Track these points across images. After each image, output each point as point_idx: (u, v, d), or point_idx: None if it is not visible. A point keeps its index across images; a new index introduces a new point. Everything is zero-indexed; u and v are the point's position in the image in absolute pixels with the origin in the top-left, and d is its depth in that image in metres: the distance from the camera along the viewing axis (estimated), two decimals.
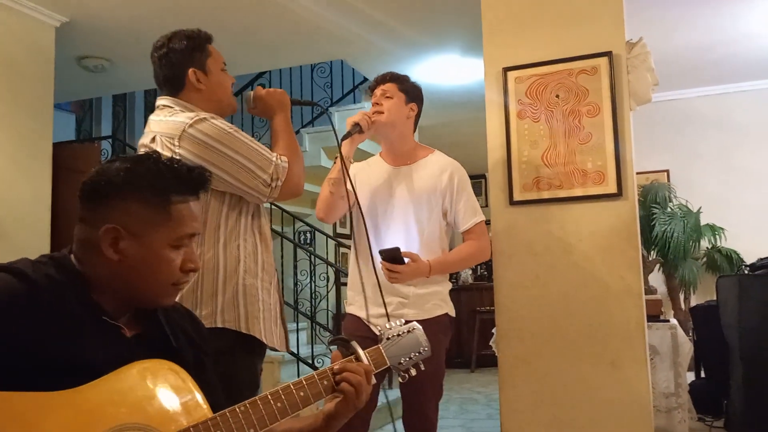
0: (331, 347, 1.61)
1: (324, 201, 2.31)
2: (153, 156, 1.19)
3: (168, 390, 1.05)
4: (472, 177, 9.34)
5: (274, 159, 1.79)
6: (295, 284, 5.68)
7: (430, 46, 4.74)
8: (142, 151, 1.76)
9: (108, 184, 1.14)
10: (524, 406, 2.78)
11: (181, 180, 1.17)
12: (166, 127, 1.73)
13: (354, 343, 1.31)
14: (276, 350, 1.85)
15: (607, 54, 2.75)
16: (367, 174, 2.45)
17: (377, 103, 2.42)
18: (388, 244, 2.31)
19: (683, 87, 5.87)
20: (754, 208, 5.63)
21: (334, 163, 2.33)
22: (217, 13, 4.06)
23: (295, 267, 5.69)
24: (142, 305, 1.17)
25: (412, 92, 2.49)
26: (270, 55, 4.92)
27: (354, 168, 2.45)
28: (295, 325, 5.34)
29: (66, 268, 1.12)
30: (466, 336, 7.59)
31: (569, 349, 2.73)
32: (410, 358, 1.41)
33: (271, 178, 1.77)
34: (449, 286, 2.53)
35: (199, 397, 1.07)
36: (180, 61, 1.84)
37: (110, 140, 5.72)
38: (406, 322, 2.29)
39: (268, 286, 1.82)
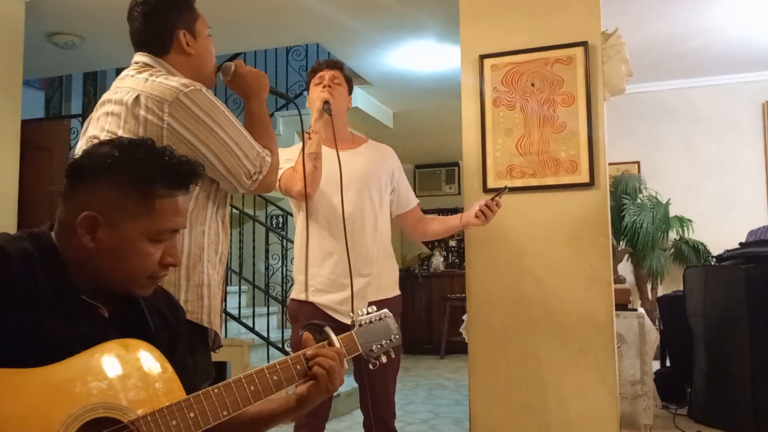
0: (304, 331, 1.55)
1: (311, 176, 2.27)
2: (146, 144, 1.15)
3: (142, 370, 1.04)
4: (445, 164, 9.34)
5: (259, 150, 1.67)
6: (267, 268, 5.66)
7: (406, 32, 4.72)
8: (107, 107, 1.60)
9: (93, 168, 1.11)
10: (493, 390, 2.81)
11: (170, 173, 1.13)
12: (155, 89, 1.54)
13: (327, 329, 1.31)
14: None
15: (583, 44, 2.77)
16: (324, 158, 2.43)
17: (329, 86, 2.41)
18: (352, 222, 2.32)
19: (655, 79, 5.95)
20: (720, 199, 5.76)
21: (308, 138, 2.29)
22: None
23: (267, 251, 5.66)
24: (115, 292, 1.15)
25: (350, 83, 2.52)
26: (244, 35, 4.85)
27: (291, 149, 2.43)
28: (266, 309, 5.32)
29: (43, 244, 1.10)
30: (437, 323, 7.65)
31: (539, 335, 2.76)
32: (381, 345, 1.41)
33: (254, 170, 1.66)
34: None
35: (173, 378, 1.06)
36: (169, 19, 1.66)
37: (80, 118, 5.61)
38: (378, 308, 2.34)
39: (221, 279, 1.73)
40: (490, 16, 2.96)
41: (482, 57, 2.93)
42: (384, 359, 1.43)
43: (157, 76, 1.58)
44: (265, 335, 4.90)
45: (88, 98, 6.52)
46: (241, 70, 1.78)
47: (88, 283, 1.12)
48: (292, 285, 2.49)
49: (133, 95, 1.55)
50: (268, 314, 5.17)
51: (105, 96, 1.64)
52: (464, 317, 3.83)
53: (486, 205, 2.35)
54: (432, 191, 8.62)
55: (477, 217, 2.36)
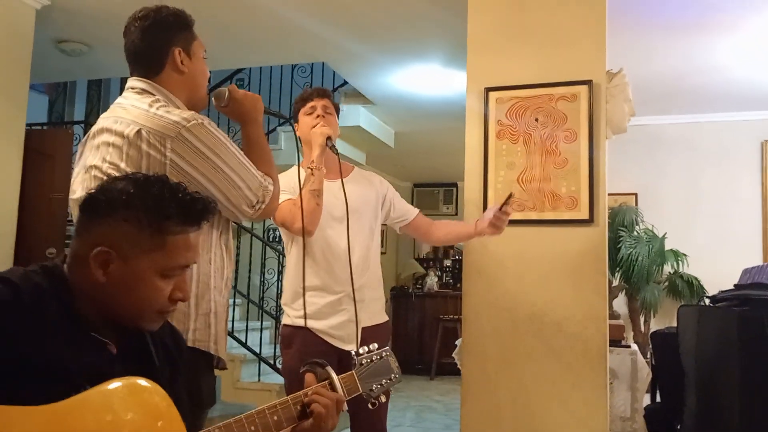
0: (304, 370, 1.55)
1: (313, 214, 2.24)
2: (161, 180, 1.17)
3: (147, 411, 1.04)
4: (443, 184, 9.36)
5: (261, 179, 1.67)
6: (262, 282, 5.66)
7: (411, 56, 4.76)
8: (106, 136, 1.57)
9: (108, 204, 1.13)
10: (485, 420, 2.82)
11: (183, 210, 1.15)
12: (156, 123, 1.54)
13: (329, 369, 1.32)
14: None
15: (588, 83, 2.81)
16: None
17: (322, 116, 2.42)
18: (353, 248, 2.34)
19: (656, 113, 6.00)
20: (716, 234, 5.80)
21: (311, 174, 2.29)
22: (198, 6, 3.99)
23: (263, 265, 5.67)
24: (125, 325, 1.16)
25: (338, 111, 2.52)
26: (251, 52, 4.89)
27: (285, 177, 2.37)
28: (259, 324, 5.32)
29: (55, 277, 1.11)
30: (428, 343, 7.64)
31: (532, 368, 2.77)
32: (381, 384, 1.42)
33: (257, 200, 1.65)
34: None
35: (177, 421, 1.07)
36: (165, 37, 1.66)
37: (83, 125, 5.63)
38: (372, 334, 2.36)
39: (226, 302, 1.74)
40: (497, 49, 2.99)
41: (488, 89, 2.96)
42: (383, 398, 1.44)
43: (157, 108, 1.57)
44: (257, 350, 4.89)
45: (92, 104, 6.54)
46: (235, 95, 1.78)
47: (98, 315, 1.13)
48: None
49: (134, 129, 1.54)
50: (261, 329, 5.16)
51: (103, 123, 1.62)
52: (457, 342, 3.84)
53: (497, 218, 2.36)
54: (429, 210, 8.63)
55: (490, 226, 2.38)
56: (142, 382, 1.06)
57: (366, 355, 1.43)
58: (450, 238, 2.68)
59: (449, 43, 4.41)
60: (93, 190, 1.17)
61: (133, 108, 1.59)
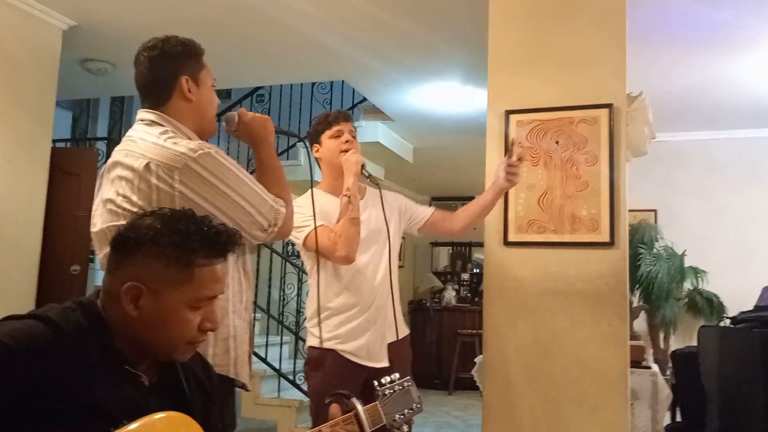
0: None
1: (354, 241, 2.25)
2: (186, 215, 1.22)
3: None
4: (461, 198, 9.35)
5: (272, 203, 1.70)
6: (282, 298, 5.70)
7: (430, 73, 4.80)
8: (119, 170, 1.60)
9: (137, 240, 1.17)
10: None
11: (210, 243, 1.19)
12: (164, 156, 1.56)
13: (354, 400, 1.34)
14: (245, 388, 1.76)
15: (608, 106, 2.82)
16: (332, 209, 2.37)
17: (349, 142, 2.44)
18: (374, 274, 2.38)
19: (676, 129, 5.98)
20: (736, 251, 5.76)
21: (348, 202, 2.31)
22: (221, 24, 4.09)
23: (282, 280, 5.71)
24: (157, 358, 1.20)
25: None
26: (271, 69, 4.95)
27: (310, 202, 2.32)
28: (279, 339, 5.35)
29: (92, 315, 1.16)
30: (446, 357, 7.64)
31: (553, 390, 2.78)
32: (404, 414, 1.44)
33: (268, 224, 1.68)
34: None
35: None
36: (173, 66, 1.69)
37: (106, 141, 5.72)
38: (396, 349, 2.38)
39: (248, 325, 1.75)
40: (518, 71, 3.01)
41: (508, 112, 2.98)
42: (405, 429, 1.47)
43: (165, 139, 1.60)
44: (277, 365, 4.92)
45: (114, 120, 6.65)
46: (244, 119, 1.81)
47: (133, 350, 1.17)
48: (305, 317, 2.52)
49: (143, 162, 1.56)
50: (281, 344, 5.19)
51: (116, 156, 1.65)
52: (476, 359, 3.85)
53: (509, 169, 2.39)
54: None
55: (507, 180, 2.41)
56: (177, 415, 1.09)
57: (389, 385, 1.46)
58: (473, 216, 2.59)
59: (467, 62, 4.44)
60: (122, 228, 1.22)
61: (142, 141, 1.62)
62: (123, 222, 1.56)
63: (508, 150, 2.34)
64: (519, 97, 2.99)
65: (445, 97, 5.22)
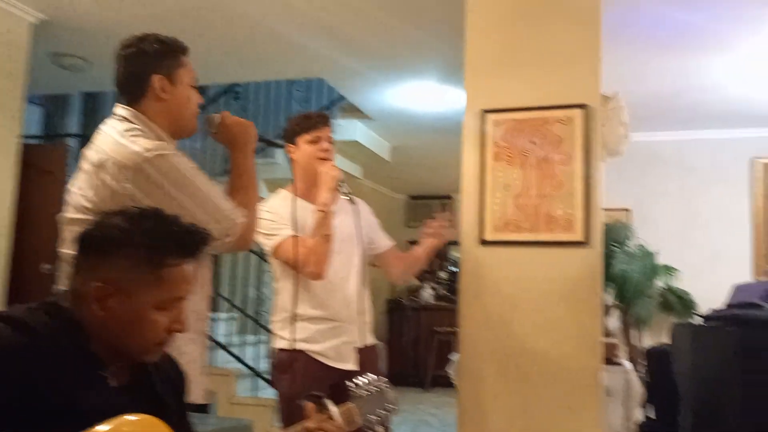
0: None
1: (326, 258, 2.25)
2: (155, 214, 1.19)
3: None
4: (438, 197, 9.33)
5: (228, 212, 1.64)
6: (257, 296, 5.66)
7: (407, 73, 4.80)
8: (83, 162, 1.59)
9: (104, 240, 1.15)
10: None
11: (178, 243, 1.17)
12: (120, 153, 1.54)
13: (327, 401, 1.34)
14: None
15: (583, 106, 2.84)
16: (303, 215, 2.33)
17: (328, 151, 2.40)
18: (346, 281, 2.39)
19: (651, 129, 6.06)
20: (708, 250, 5.86)
21: (324, 217, 2.29)
22: (196, 22, 4.05)
23: (258, 279, 5.68)
24: (128, 358, 1.18)
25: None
26: (248, 66, 4.91)
27: (281, 207, 2.35)
28: (255, 338, 5.32)
29: (64, 316, 1.13)
30: (423, 355, 7.65)
31: (528, 389, 2.79)
32: (379, 416, 1.44)
33: (221, 233, 1.60)
34: None
35: None
36: (146, 64, 1.66)
37: (79, 138, 5.63)
38: (366, 354, 2.38)
39: (193, 336, 1.64)
40: (495, 72, 3.02)
41: (485, 111, 2.99)
42: (381, 430, 1.46)
43: (127, 137, 1.57)
44: (252, 365, 4.89)
45: (87, 117, 6.54)
46: (226, 121, 1.79)
47: (107, 351, 1.15)
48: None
49: (100, 157, 1.56)
50: (257, 343, 5.16)
51: (86, 148, 1.65)
52: (452, 356, 3.86)
53: (431, 227, 2.54)
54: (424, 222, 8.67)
55: (430, 237, 2.55)
56: (147, 418, 1.08)
57: (364, 386, 1.45)
58: (405, 268, 2.69)
59: (445, 61, 4.45)
60: (89, 227, 1.19)
61: (106, 135, 1.61)
62: (75, 215, 1.55)
63: (439, 211, 2.41)
64: (495, 96, 3.00)
65: (423, 96, 5.22)
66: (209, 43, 4.32)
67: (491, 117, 2.99)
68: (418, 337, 7.86)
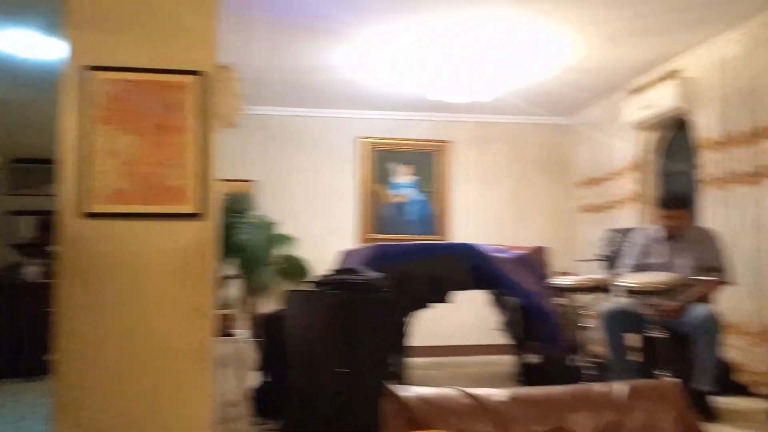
0: None
1: None
2: None
3: None
4: (42, 160, 8.34)
5: None
6: None
7: (9, 16, 4.12)
8: None
9: None
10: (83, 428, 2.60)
11: None
12: None
13: None
14: None
15: (197, 73, 2.76)
16: None
17: None
18: None
19: (277, 104, 6.34)
20: (323, 222, 6.43)
21: None
22: None
23: None
24: None
25: None
26: None
27: None
28: None
29: None
30: (28, 340, 6.80)
31: (134, 370, 2.65)
32: None
33: None
34: None
35: None
36: None
37: None
38: None
39: None
40: (103, 26, 2.74)
41: (91, 68, 2.69)
42: None
43: None
44: None
45: None
46: None
47: None
48: None
49: None
50: None
51: None
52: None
53: None
54: (31, 190, 7.62)
55: None
56: None
57: None
58: None
59: (50, 8, 3.91)
60: None
61: None
62: None
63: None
64: (104, 53, 2.72)
65: (25, 44, 4.54)
66: None
67: (99, 75, 2.71)
68: (23, 320, 6.95)
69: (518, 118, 6.72)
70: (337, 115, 6.61)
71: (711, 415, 3.49)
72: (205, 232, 2.75)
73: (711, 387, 3.56)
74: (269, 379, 4.21)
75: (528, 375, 4.69)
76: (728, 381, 4.07)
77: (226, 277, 4.84)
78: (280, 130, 6.50)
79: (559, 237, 6.66)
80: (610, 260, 4.68)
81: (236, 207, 5.08)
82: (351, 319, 3.56)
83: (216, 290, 2.82)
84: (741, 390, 4.10)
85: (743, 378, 4.16)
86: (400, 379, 3.78)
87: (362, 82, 5.67)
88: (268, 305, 5.40)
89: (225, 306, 3.82)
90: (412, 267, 4.25)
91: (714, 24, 4.41)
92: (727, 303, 4.10)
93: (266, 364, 4.24)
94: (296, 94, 6.04)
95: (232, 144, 6.01)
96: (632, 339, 4.00)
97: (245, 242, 5.07)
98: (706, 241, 3.93)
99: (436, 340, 6.08)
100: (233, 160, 6.07)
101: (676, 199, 4.15)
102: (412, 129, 6.76)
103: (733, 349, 4.16)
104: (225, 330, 3.37)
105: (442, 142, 6.84)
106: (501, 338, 5.08)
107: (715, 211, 4.52)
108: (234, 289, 5.29)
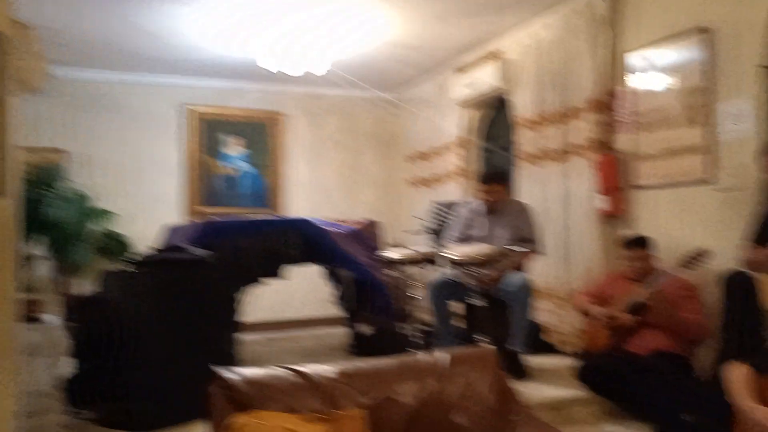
0: None
1: None
2: None
3: None
4: None
5: None
6: None
7: None
8: None
9: None
10: None
11: None
12: None
13: None
14: None
15: None
16: None
17: None
18: None
19: (92, 67, 5.82)
20: (143, 194, 6.06)
21: None
22: None
23: None
24: None
25: None
26: None
27: None
28: None
29: None
30: None
31: None
32: None
33: None
34: None
35: None
36: None
37: None
38: None
39: None
40: None
41: None
42: None
43: None
44: None
45: None
46: None
47: None
48: None
49: None
50: None
51: None
52: None
53: None
54: None
55: None
56: None
57: None
58: None
59: None
60: None
61: None
62: None
63: None
64: None
65: None
66: None
67: None
68: None
69: (350, 91, 6.75)
70: (160, 81, 6.22)
71: (523, 372, 3.78)
72: (5, 213, 2.46)
73: (524, 348, 3.86)
74: (85, 367, 3.92)
75: (360, 346, 4.79)
76: (538, 341, 4.43)
77: (32, 257, 4.40)
78: (95, 95, 5.98)
79: (389, 210, 6.84)
80: (436, 232, 4.88)
81: (43, 179, 4.63)
82: (176, 300, 3.39)
83: (18, 272, 2.54)
84: (549, 349, 4.49)
85: (552, 338, 4.56)
86: (232, 358, 3.68)
87: (188, 47, 5.36)
88: (84, 286, 5.02)
89: (31, 289, 3.47)
90: (244, 242, 4.14)
91: (530, 7, 4.69)
92: (539, 271, 4.45)
93: (82, 351, 3.94)
94: (113, 56, 5.58)
95: (38, 110, 5.46)
96: (456, 307, 4.22)
97: (55, 218, 4.65)
98: (521, 214, 4.21)
99: (271, 315, 6.02)
100: (40, 127, 5.51)
101: (494, 174, 4.40)
102: (242, 98, 6.56)
103: (543, 312, 4.54)
104: (32, 315, 3.07)
105: (275, 113, 6.71)
106: (335, 311, 5.13)
107: (529, 186, 4.86)
108: (43, 270, 4.84)
